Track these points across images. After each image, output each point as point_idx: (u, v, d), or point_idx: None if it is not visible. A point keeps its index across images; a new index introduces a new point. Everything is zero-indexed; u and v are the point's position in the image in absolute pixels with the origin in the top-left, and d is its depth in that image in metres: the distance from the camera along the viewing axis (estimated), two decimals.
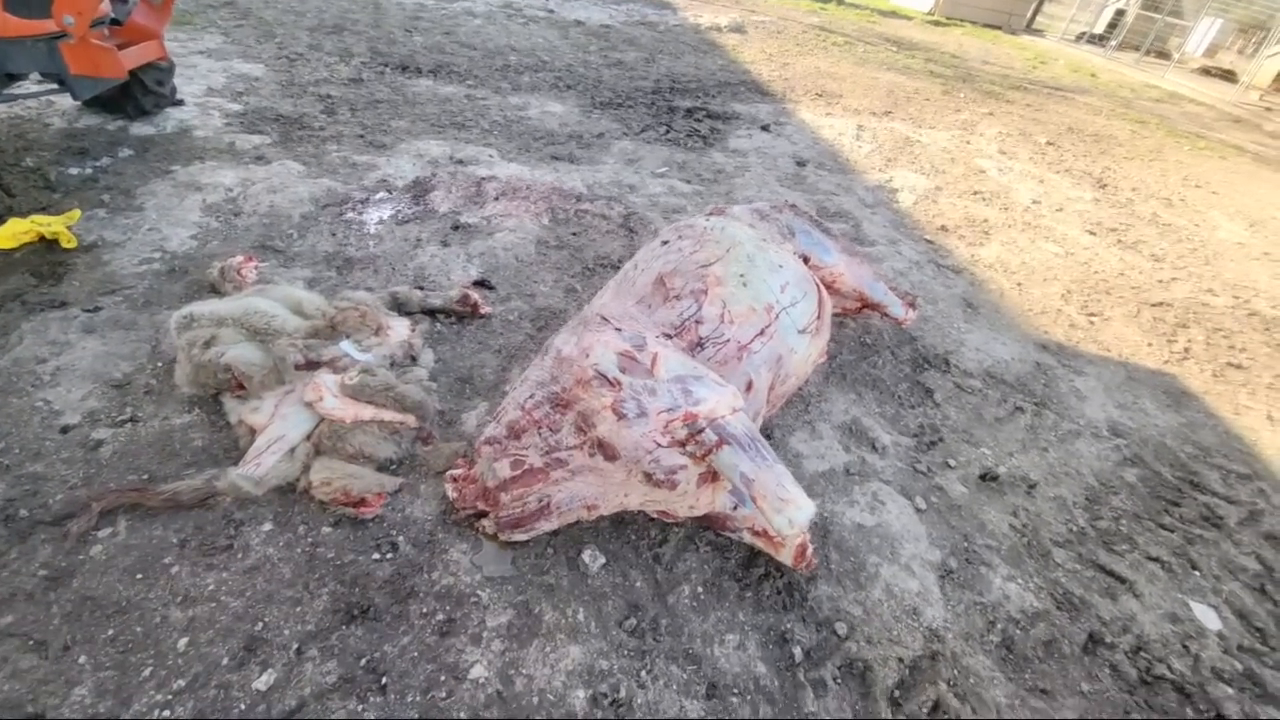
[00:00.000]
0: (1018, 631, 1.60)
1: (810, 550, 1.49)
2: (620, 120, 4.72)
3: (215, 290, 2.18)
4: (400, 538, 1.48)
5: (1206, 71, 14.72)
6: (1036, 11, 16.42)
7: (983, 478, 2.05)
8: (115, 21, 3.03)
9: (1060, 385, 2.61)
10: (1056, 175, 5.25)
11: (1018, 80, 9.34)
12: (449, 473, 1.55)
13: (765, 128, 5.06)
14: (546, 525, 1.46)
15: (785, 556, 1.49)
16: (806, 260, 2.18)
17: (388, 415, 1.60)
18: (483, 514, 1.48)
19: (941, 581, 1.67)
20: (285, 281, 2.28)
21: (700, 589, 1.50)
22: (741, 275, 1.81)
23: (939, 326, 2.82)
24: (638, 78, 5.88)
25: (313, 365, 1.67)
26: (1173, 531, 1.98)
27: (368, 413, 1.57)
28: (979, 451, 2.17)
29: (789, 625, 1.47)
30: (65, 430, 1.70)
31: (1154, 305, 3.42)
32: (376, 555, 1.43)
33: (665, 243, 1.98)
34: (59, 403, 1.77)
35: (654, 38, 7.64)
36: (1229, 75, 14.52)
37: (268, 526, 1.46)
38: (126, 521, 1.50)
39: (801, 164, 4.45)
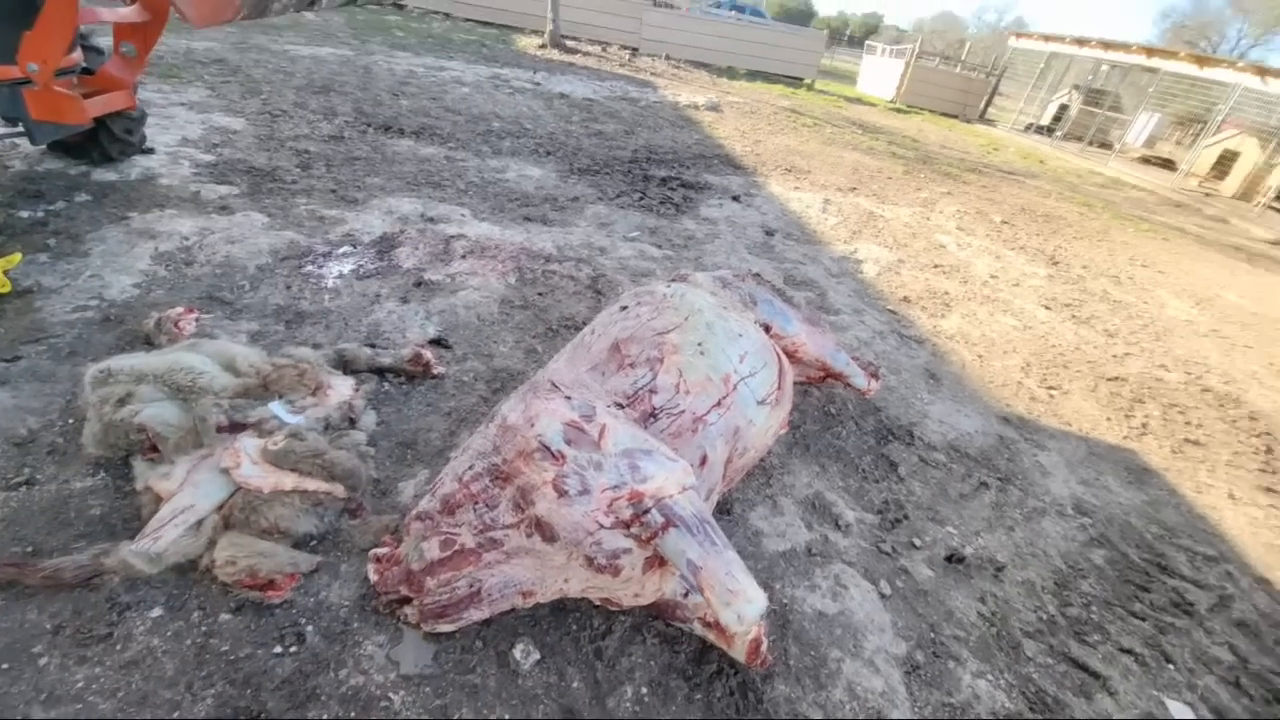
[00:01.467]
0: None
1: (765, 645, 1.37)
2: (596, 186, 4.84)
3: (149, 342, 2.06)
4: (309, 627, 1.32)
5: (1146, 160, 16.00)
6: (988, 103, 17.88)
7: (949, 559, 1.97)
8: (86, 70, 3.03)
9: (1024, 460, 2.59)
10: (1011, 252, 5.49)
11: (973, 164, 9.98)
12: (372, 551, 1.41)
13: (736, 198, 5.23)
14: (476, 614, 1.33)
15: (738, 652, 1.36)
16: (768, 329, 2.16)
17: (312, 484, 1.47)
18: (406, 600, 1.34)
19: (908, 679, 1.55)
20: (228, 335, 2.18)
21: (645, 689, 1.36)
22: (699, 344, 1.77)
23: (903, 397, 2.81)
24: (616, 147, 6.10)
25: (236, 427, 1.54)
26: (1144, 620, 1.90)
27: (289, 481, 1.44)
28: (945, 530, 2.10)
29: None
30: None
31: (1110, 380, 3.49)
32: (279, 648, 1.27)
33: (624, 308, 1.94)
34: None
35: (634, 112, 8.02)
36: (1168, 164, 15.79)
37: (157, 612, 1.29)
38: (0, 600, 1.32)
39: (770, 233, 4.58)
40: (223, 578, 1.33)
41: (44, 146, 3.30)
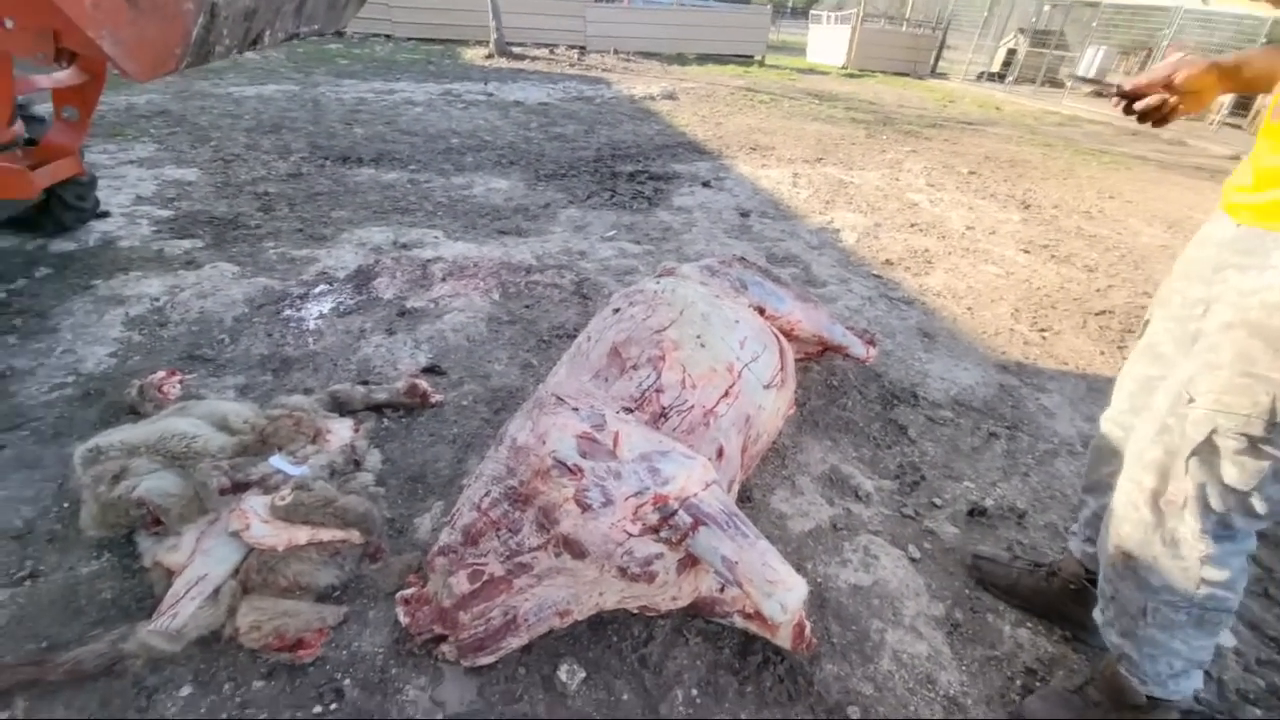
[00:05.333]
0: (1038, 683, 1.48)
1: (808, 629, 1.36)
2: (565, 190, 4.79)
3: (134, 412, 1.99)
4: (346, 681, 1.28)
5: (1099, 94, 16.23)
6: (938, 57, 18.00)
7: (971, 514, 1.97)
8: (30, 141, 2.93)
9: (1028, 405, 2.61)
10: (983, 201, 5.53)
11: (932, 119, 10.04)
12: (399, 594, 1.38)
13: (706, 184, 5.21)
14: (515, 642, 1.30)
15: (782, 639, 1.35)
16: (762, 311, 2.15)
17: (326, 535, 1.43)
18: (442, 638, 1.31)
19: (950, 639, 1.55)
20: (214, 393, 2.12)
21: (695, 691, 1.34)
22: (698, 336, 1.75)
23: (901, 360, 2.82)
24: (579, 148, 6.05)
25: (239, 488, 1.50)
26: None
27: (303, 535, 1.40)
28: (962, 486, 2.11)
29: (797, 718, 1.32)
30: None
31: (1097, 314, 3.53)
32: (319, 708, 1.23)
33: (616, 310, 1.91)
34: None
35: (591, 110, 7.95)
36: None
37: (186, 690, 1.25)
38: (24, 702, 1.27)
39: (745, 214, 4.57)
40: (249, 644, 1.29)
41: None
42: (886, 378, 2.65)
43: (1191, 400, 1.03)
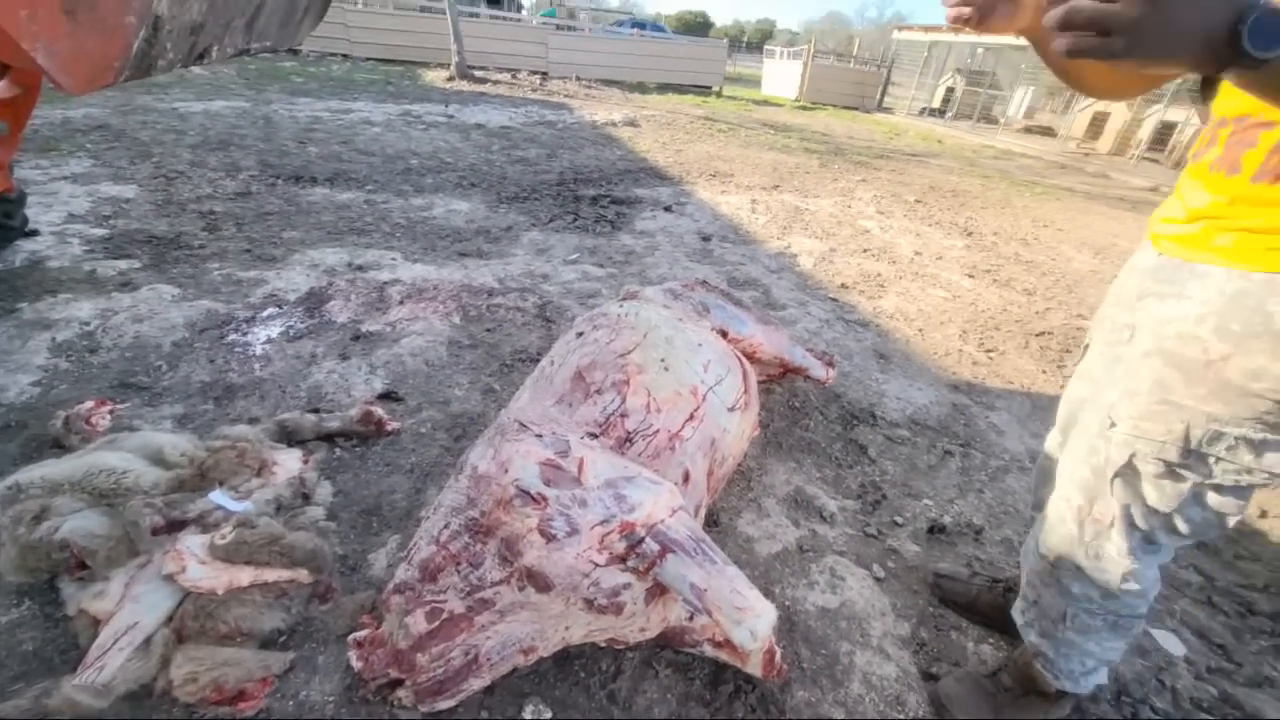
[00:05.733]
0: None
1: (779, 655, 1.35)
2: (527, 213, 4.78)
3: (59, 445, 1.84)
4: None
5: (1029, 130, 17.48)
6: (884, 93, 19.05)
7: (931, 531, 2.02)
8: None
9: (979, 423, 2.71)
10: (929, 228, 5.82)
11: (880, 150, 10.57)
12: (351, 636, 1.30)
13: (668, 208, 5.30)
14: (477, 683, 1.24)
15: (753, 667, 1.34)
16: (725, 334, 2.17)
17: (272, 575, 1.34)
18: (398, 682, 1.24)
19: (917, 658, 1.57)
20: (149, 423, 1.98)
21: None
22: (662, 360, 1.75)
23: (859, 380, 2.90)
24: (542, 171, 6.07)
25: (175, 526, 1.39)
26: None
27: (245, 576, 1.31)
28: (922, 504, 2.16)
29: None
30: None
31: (1038, 335, 3.74)
32: None
33: (580, 334, 1.90)
34: None
35: (554, 135, 8.02)
36: (1048, 131, 17.31)
37: None
38: None
39: (706, 239, 4.65)
40: (185, 698, 1.18)
41: None
42: (846, 398, 2.71)
43: (1113, 425, 1.07)
